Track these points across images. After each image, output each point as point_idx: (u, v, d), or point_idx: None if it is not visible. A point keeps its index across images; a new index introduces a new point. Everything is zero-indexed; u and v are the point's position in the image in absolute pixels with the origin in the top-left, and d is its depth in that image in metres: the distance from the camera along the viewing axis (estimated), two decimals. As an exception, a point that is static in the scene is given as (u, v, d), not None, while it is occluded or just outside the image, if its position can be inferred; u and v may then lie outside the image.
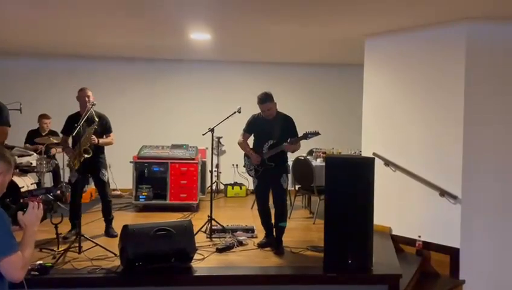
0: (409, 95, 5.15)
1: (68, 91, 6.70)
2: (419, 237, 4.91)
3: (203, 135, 4.99)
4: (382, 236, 5.01)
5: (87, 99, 4.61)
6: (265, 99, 4.35)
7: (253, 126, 4.56)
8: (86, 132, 4.49)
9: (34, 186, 6.23)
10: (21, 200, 2.22)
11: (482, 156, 4.66)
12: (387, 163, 5.23)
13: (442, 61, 4.84)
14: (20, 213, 2.08)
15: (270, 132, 4.43)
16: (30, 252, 2.03)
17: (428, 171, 4.89)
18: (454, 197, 4.68)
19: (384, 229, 5.21)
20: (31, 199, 2.12)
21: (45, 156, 6.18)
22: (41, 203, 2.12)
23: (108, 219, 4.86)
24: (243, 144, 4.60)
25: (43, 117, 6.67)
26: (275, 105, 4.42)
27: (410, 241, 4.99)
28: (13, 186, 5.76)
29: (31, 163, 5.87)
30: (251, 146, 4.62)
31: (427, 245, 4.88)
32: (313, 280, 3.83)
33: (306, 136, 4.30)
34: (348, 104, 7.69)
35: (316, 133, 4.29)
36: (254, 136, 4.60)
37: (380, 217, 4.92)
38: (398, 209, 5.16)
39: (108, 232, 4.76)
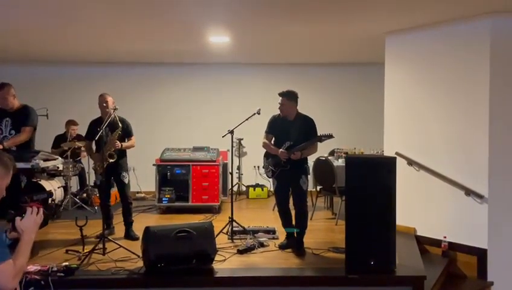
0: (432, 92, 5.04)
1: (93, 97, 6.87)
2: (445, 237, 4.80)
3: (223, 137, 5.02)
4: (406, 237, 4.92)
5: (104, 104, 4.73)
6: (283, 94, 4.42)
7: (273, 126, 4.57)
8: (110, 137, 4.59)
9: (61, 190, 6.44)
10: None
11: (510, 153, 4.52)
12: (411, 162, 5.13)
13: (466, 57, 4.72)
14: (18, 219, 1.99)
15: (288, 133, 4.42)
16: (23, 261, 1.93)
17: (453, 170, 4.78)
18: (480, 197, 4.55)
19: (409, 229, 5.11)
20: (30, 205, 2.02)
21: (71, 160, 6.34)
22: (41, 209, 2.02)
23: (128, 222, 4.90)
24: (267, 145, 4.58)
25: (70, 123, 6.83)
26: (290, 105, 4.41)
27: (436, 242, 4.88)
28: (41, 190, 5.95)
29: (58, 167, 6.03)
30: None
31: (453, 246, 4.76)
32: (335, 281, 3.79)
33: (320, 138, 4.29)
34: (370, 103, 7.57)
35: (330, 136, 4.27)
36: (274, 136, 4.60)
37: (404, 218, 4.85)
38: (423, 209, 5.05)
39: (130, 235, 4.81)
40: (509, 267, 4.48)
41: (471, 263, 4.62)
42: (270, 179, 4.68)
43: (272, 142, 4.60)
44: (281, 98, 4.43)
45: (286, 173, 4.42)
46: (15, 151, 4.26)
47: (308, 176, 4.57)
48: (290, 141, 4.39)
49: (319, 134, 4.33)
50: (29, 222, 1.99)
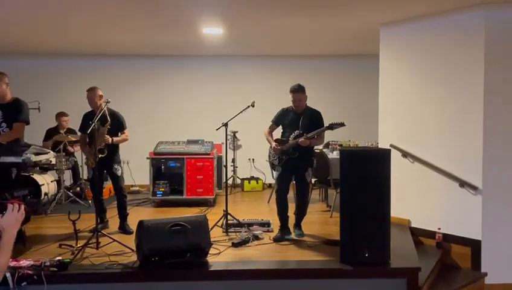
0: (427, 84, 5.03)
1: (85, 89, 6.89)
2: (439, 229, 4.81)
3: (217, 129, 4.99)
4: (401, 229, 4.93)
5: (96, 100, 4.69)
6: (298, 89, 4.51)
7: (282, 118, 4.68)
8: (100, 131, 4.53)
9: (54, 184, 6.39)
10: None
11: (504, 144, 4.52)
12: (405, 154, 5.13)
13: (460, 48, 4.70)
14: None
15: (297, 123, 4.52)
16: (5, 260, 1.89)
17: (448, 162, 4.78)
18: (474, 188, 4.56)
19: (403, 221, 5.12)
20: (11, 201, 1.99)
21: (64, 153, 6.29)
22: (22, 205, 1.98)
23: (123, 215, 4.87)
24: (266, 134, 4.72)
25: (61, 115, 6.78)
26: (305, 98, 4.55)
27: (430, 234, 4.89)
28: (34, 184, 5.91)
29: (51, 161, 5.98)
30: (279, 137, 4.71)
31: (447, 237, 4.77)
32: (330, 273, 3.78)
33: (331, 126, 4.33)
34: (365, 95, 7.55)
35: (342, 124, 4.32)
36: (282, 127, 4.70)
37: (399, 210, 4.86)
38: (417, 201, 5.06)
39: (125, 229, 4.78)
40: (502, 259, 4.50)
41: (465, 254, 4.64)
42: (266, 172, 4.71)
43: (280, 133, 4.69)
44: (296, 94, 4.48)
45: (293, 163, 4.49)
46: (5, 145, 4.20)
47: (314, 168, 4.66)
48: (299, 130, 4.48)
49: (330, 122, 4.37)
50: (10, 219, 1.94)
